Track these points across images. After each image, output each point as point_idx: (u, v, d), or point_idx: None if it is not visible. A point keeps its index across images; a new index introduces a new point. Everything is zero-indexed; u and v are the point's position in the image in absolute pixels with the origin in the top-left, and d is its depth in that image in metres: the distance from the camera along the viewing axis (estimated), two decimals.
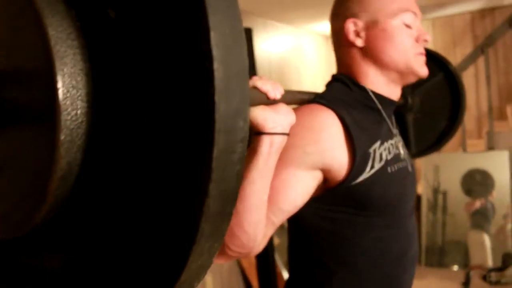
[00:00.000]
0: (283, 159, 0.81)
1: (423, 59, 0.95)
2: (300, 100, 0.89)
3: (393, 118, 1.01)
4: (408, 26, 0.93)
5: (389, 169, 0.90)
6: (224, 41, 0.38)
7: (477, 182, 3.24)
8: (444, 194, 3.31)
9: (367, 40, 0.93)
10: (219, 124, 0.38)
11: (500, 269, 2.99)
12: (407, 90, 1.19)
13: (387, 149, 0.91)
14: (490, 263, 3.06)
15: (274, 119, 0.75)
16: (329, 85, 0.98)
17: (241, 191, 0.75)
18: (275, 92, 0.74)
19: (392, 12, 0.92)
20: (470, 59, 3.28)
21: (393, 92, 0.97)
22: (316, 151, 0.83)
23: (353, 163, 0.85)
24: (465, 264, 3.12)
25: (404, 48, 0.92)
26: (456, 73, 1.15)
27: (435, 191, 3.35)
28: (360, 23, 0.93)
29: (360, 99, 0.93)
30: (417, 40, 0.94)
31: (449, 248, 3.24)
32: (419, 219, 3.42)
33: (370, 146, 0.88)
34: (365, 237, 0.91)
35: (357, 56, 0.95)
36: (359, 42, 0.93)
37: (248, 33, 2.20)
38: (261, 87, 0.72)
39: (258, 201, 0.76)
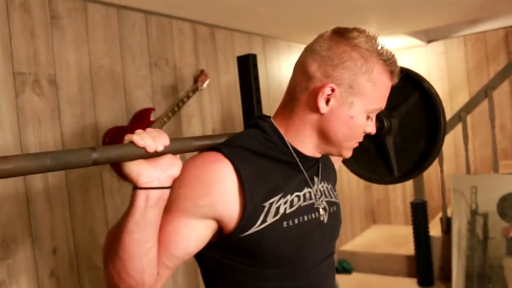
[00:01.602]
0: (175, 208, 0.81)
1: (356, 145, 0.94)
2: (198, 147, 0.88)
3: (319, 165, 0.98)
4: (368, 118, 0.91)
5: (285, 224, 0.86)
6: None
7: None
8: (485, 216, 3.13)
9: (330, 112, 0.87)
10: None
11: None
12: (384, 113, 1.12)
13: (290, 202, 0.88)
14: None
15: (149, 174, 0.76)
16: (248, 126, 0.96)
17: (122, 240, 0.76)
18: (156, 145, 0.75)
19: (369, 109, 0.89)
20: (501, 76, 3.13)
21: (315, 154, 0.94)
22: (207, 204, 0.82)
23: (242, 216, 0.83)
24: None
25: (353, 137, 0.91)
26: (431, 90, 1.07)
27: (473, 213, 3.17)
28: (338, 93, 0.85)
29: (274, 151, 0.90)
30: (365, 132, 0.92)
31: (490, 274, 3.05)
32: (450, 242, 3.24)
33: (266, 199, 0.85)
34: (262, 287, 0.88)
35: (307, 115, 0.89)
36: (323, 109, 0.86)
37: (253, 58, 2.25)
38: (137, 142, 0.73)
39: (140, 249, 0.76)
